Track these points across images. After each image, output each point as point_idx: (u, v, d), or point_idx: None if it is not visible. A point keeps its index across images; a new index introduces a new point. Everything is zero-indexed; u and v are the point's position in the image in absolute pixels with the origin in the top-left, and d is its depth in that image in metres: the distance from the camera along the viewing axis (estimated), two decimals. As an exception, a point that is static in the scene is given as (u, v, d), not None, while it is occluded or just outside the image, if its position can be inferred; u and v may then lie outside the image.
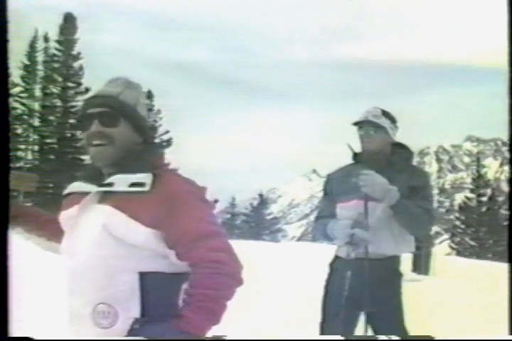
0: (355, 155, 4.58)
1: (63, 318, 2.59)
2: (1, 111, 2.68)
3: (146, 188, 2.43)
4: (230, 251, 2.43)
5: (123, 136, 2.57)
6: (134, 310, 2.41)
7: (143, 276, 2.43)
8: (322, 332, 4.49)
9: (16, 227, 2.87)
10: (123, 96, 2.61)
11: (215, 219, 2.56)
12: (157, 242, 2.41)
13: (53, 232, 2.84)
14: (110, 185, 2.50)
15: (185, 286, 2.40)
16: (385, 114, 4.50)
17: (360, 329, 4.41)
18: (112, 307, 2.40)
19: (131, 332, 2.39)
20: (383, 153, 4.49)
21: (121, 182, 2.48)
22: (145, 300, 2.42)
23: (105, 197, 2.50)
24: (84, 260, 2.45)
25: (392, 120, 4.53)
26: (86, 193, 2.55)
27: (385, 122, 4.46)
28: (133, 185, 2.45)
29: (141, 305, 2.41)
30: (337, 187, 4.62)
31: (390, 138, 4.52)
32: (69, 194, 2.71)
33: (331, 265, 4.61)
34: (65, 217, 2.64)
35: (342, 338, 2.90)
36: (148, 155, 2.61)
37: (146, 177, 2.46)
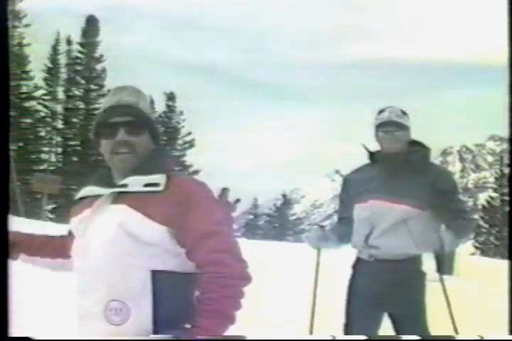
0: (371, 155, 4.55)
1: (69, 319, 2.61)
2: (1, 112, 2.71)
3: (161, 188, 2.50)
4: (231, 251, 2.47)
5: (144, 144, 2.64)
6: (145, 307, 2.44)
7: (155, 274, 2.47)
8: (346, 334, 4.47)
9: (18, 255, 2.90)
10: (142, 105, 2.68)
11: (223, 219, 2.59)
12: (171, 240, 2.47)
13: (56, 249, 2.90)
14: (124, 186, 2.57)
15: (196, 293, 2.44)
16: (405, 113, 4.44)
17: (384, 330, 4.40)
18: (124, 304, 2.44)
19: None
20: (401, 153, 4.43)
21: (135, 183, 2.55)
22: (156, 298, 2.45)
23: (119, 198, 2.56)
24: (97, 258, 2.49)
25: (409, 118, 4.47)
26: (98, 196, 2.62)
27: (407, 122, 4.43)
28: (147, 185, 2.53)
29: (153, 303, 2.45)
30: (354, 188, 4.59)
31: (410, 138, 4.48)
32: (80, 199, 2.76)
33: (354, 267, 4.60)
34: (77, 221, 2.69)
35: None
36: (161, 160, 2.68)
37: (160, 178, 2.53)
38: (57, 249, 2.90)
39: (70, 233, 2.81)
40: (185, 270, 2.51)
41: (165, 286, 2.47)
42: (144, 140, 2.64)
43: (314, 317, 4.71)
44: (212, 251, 2.42)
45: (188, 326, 2.39)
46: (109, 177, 2.68)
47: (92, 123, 2.74)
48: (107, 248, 2.48)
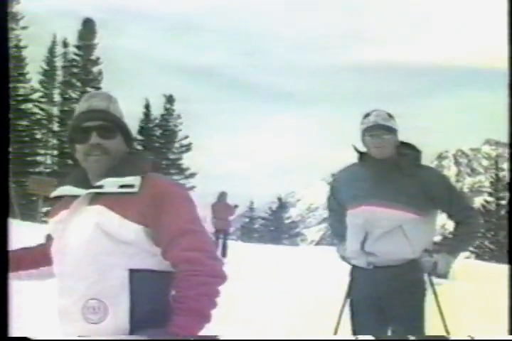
0: (361, 156, 4.48)
1: (56, 319, 2.62)
2: (1, 115, 2.72)
3: (135, 189, 2.57)
4: (205, 249, 2.50)
5: (117, 147, 2.72)
6: (123, 306, 2.48)
7: (133, 273, 2.51)
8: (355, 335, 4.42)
9: (17, 274, 2.93)
10: (113, 110, 2.76)
11: (196, 218, 2.62)
12: (147, 239, 2.52)
13: (36, 259, 2.95)
14: (101, 187, 2.63)
15: (172, 295, 2.46)
16: (391, 115, 4.38)
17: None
18: (102, 303, 2.48)
19: None
20: (391, 157, 4.37)
21: (111, 184, 2.61)
22: (134, 297, 2.49)
23: (96, 199, 2.62)
24: (75, 258, 2.54)
25: (395, 121, 4.40)
26: (74, 197, 2.68)
27: (394, 125, 4.37)
28: (122, 186, 2.59)
29: (131, 301, 2.48)
30: (345, 190, 4.56)
31: (398, 141, 4.42)
32: (57, 199, 2.82)
33: (351, 274, 4.56)
34: (54, 222, 2.74)
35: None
36: (135, 161, 2.74)
37: (135, 180, 2.60)
38: (37, 258, 2.95)
39: (49, 237, 2.85)
40: (163, 269, 2.55)
41: (143, 285, 2.51)
42: (116, 143, 2.72)
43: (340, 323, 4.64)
44: (186, 250, 2.46)
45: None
46: (85, 178, 2.75)
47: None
48: (85, 248, 2.52)
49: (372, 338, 2.61)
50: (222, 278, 2.47)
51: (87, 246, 2.52)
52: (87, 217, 2.58)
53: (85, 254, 2.51)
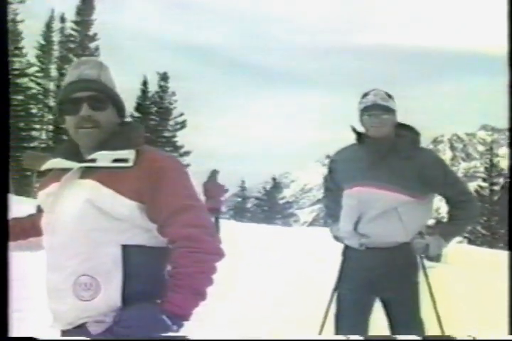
0: (359, 137, 4.45)
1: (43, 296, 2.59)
2: (1, 114, 2.69)
3: (130, 164, 2.49)
4: (204, 226, 2.47)
5: (109, 118, 2.62)
6: (115, 282, 2.43)
7: (125, 249, 2.46)
8: (337, 322, 4.43)
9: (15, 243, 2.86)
10: (104, 79, 2.65)
11: (194, 193, 2.57)
12: (141, 215, 2.46)
13: (26, 230, 2.89)
14: (93, 161, 2.55)
15: (168, 270, 2.44)
16: (390, 95, 4.34)
17: (375, 315, 4.41)
18: (94, 279, 2.43)
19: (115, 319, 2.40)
20: (388, 137, 4.33)
21: (104, 158, 2.53)
22: (127, 273, 2.44)
23: (87, 173, 2.54)
24: (66, 234, 2.48)
25: (394, 101, 4.36)
26: (65, 170, 2.61)
27: (393, 105, 4.33)
28: (116, 161, 2.52)
29: (123, 278, 2.44)
30: (342, 171, 4.53)
31: (396, 121, 4.38)
32: (47, 171, 2.75)
33: (344, 254, 4.54)
34: (44, 195, 2.67)
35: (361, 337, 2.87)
36: (128, 134, 2.64)
37: (129, 154, 2.52)
38: (26, 229, 2.88)
39: (39, 208, 2.80)
40: (156, 244, 2.51)
41: (135, 261, 2.46)
42: (108, 114, 2.61)
43: (326, 318, 4.65)
44: (185, 226, 2.42)
45: (158, 301, 2.37)
46: (77, 150, 2.66)
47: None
48: (76, 224, 2.46)
49: (362, 338, 2.58)
50: (220, 255, 2.44)
51: (78, 221, 2.46)
52: (78, 192, 2.50)
53: (76, 230, 2.45)
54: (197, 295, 2.37)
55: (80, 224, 2.46)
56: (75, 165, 2.59)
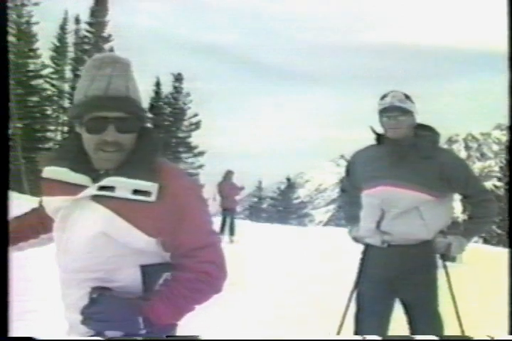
0: (379, 137, 4.48)
1: (60, 310, 2.56)
2: (1, 114, 2.62)
3: (152, 198, 2.32)
4: (220, 262, 2.42)
5: (133, 140, 2.41)
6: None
7: (144, 268, 2.41)
8: (357, 321, 4.46)
9: (17, 247, 2.80)
10: (132, 93, 2.41)
11: (212, 228, 2.50)
12: (157, 247, 2.39)
13: (34, 228, 2.81)
14: (111, 188, 2.36)
15: (167, 275, 2.39)
16: (408, 97, 4.37)
17: (396, 316, 4.42)
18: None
19: (90, 301, 2.35)
20: (407, 138, 4.36)
21: (123, 187, 2.35)
22: (147, 290, 2.39)
23: (102, 197, 2.37)
24: (80, 258, 2.40)
25: (413, 102, 4.40)
26: (75, 184, 2.44)
27: (411, 106, 4.36)
28: (136, 191, 2.34)
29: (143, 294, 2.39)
30: (361, 171, 4.56)
31: (414, 122, 4.41)
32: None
33: (364, 253, 4.57)
34: (51, 204, 2.53)
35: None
36: (149, 153, 2.44)
37: (151, 187, 2.33)
38: (35, 226, 2.80)
39: (41, 203, 2.70)
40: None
41: (155, 278, 2.40)
42: (134, 137, 2.40)
43: (345, 317, 4.65)
44: (205, 262, 2.37)
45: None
46: (87, 161, 2.45)
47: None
48: (91, 252, 2.38)
49: (379, 338, 2.57)
50: (219, 290, 2.42)
51: (93, 251, 2.37)
52: (91, 218, 2.37)
53: (91, 257, 2.38)
54: (177, 315, 2.38)
55: (95, 253, 2.38)
56: (82, 180, 2.43)
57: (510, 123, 3.44)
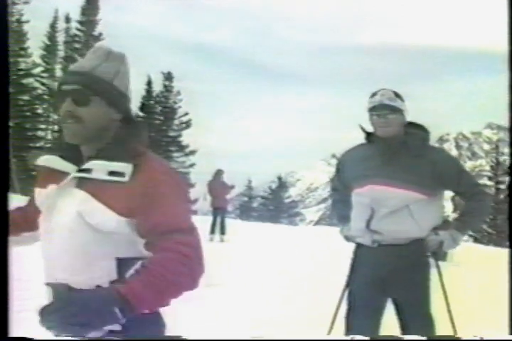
0: (368, 136, 4.48)
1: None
2: (1, 114, 2.63)
3: (125, 179, 2.36)
4: (198, 250, 2.31)
5: (94, 114, 2.45)
6: None
7: (120, 262, 2.38)
8: (348, 321, 4.45)
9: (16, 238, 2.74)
10: (99, 71, 2.49)
11: (191, 215, 2.45)
12: (129, 230, 2.35)
13: (28, 223, 2.75)
14: (88, 170, 2.42)
15: (143, 261, 2.28)
16: (398, 95, 4.36)
17: (388, 315, 4.41)
18: None
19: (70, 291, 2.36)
20: (397, 136, 4.34)
21: (99, 168, 2.41)
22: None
23: (82, 182, 2.43)
24: (61, 247, 2.41)
25: (403, 100, 4.39)
26: (63, 172, 2.50)
27: (401, 104, 4.34)
28: (112, 173, 2.38)
29: None
30: (351, 170, 4.55)
31: (404, 120, 4.40)
32: (44, 167, 2.61)
33: (355, 252, 4.55)
34: (42, 195, 2.57)
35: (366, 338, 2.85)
36: (129, 140, 2.50)
37: (125, 167, 2.38)
38: (18, 223, 2.74)
39: (30, 202, 2.73)
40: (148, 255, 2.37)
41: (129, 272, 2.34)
42: (93, 110, 2.45)
43: (336, 317, 4.63)
44: (184, 244, 2.26)
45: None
46: (77, 150, 2.55)
47: None
48: (70, 238, 2.38)
49: (368, 338, 2.55)
50: (195, 284, 2.28)
51: (71, 236, 2.38)
52: (71, 203, 2.41)
53: (70, 244, 2.39)
54: (159, 299, 2.24)
55: (73, 238, 2.38)
56: (69, 168, 2.49)
57: (511, 124, 3.44)
